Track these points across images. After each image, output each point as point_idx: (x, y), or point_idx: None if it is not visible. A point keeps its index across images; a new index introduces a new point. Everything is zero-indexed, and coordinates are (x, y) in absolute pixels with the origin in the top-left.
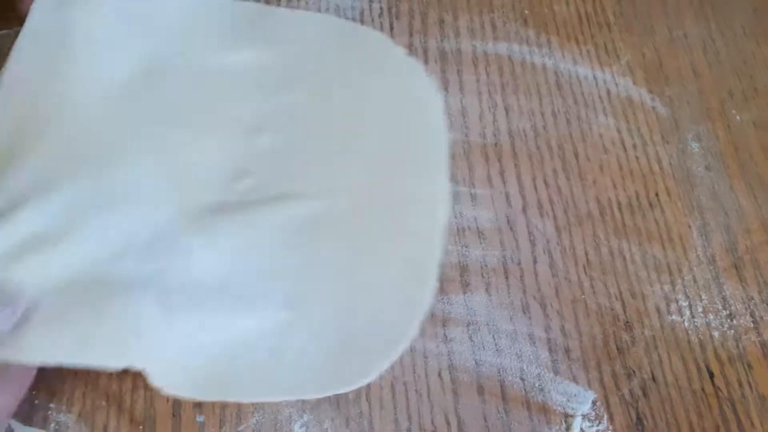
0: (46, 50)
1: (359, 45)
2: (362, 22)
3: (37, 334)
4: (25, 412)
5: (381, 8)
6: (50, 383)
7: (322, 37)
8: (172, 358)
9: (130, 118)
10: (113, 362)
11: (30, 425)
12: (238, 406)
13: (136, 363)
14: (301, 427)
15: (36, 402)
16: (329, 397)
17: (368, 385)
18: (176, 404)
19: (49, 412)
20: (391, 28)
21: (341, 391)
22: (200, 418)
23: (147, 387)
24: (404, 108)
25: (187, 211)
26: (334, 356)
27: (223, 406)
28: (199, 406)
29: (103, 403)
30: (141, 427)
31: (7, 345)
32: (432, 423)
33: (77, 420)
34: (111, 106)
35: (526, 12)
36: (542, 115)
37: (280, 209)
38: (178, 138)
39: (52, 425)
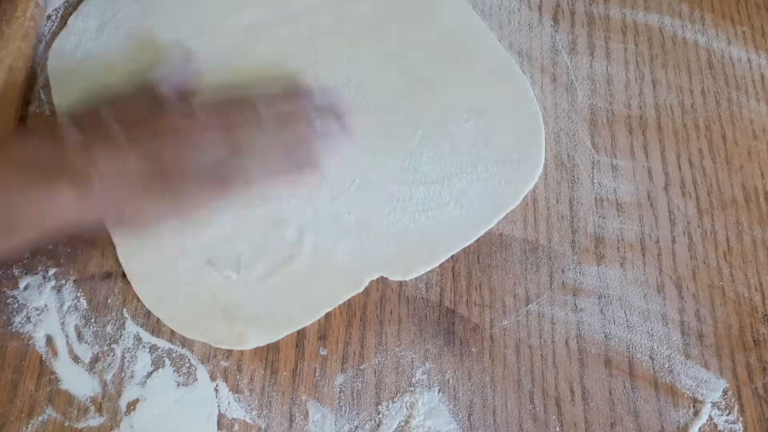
0: None
1: None
2: None
3: None
4: (153, 323)
5: None
6: None
7: None
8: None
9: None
10: None
11: (158, 336)
12: (361, 345)
13: None
14: (423, 374)
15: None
16: (452, 348)
17: (492, 342)
18: (300, 335)
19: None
20: None
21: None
22: (323, 351)
23: None
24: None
25: None
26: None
27: (347, 342)
28: (323, 339)
29: None
30: (265, 353)
31: None
32: (556, 389)
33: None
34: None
35: None
36: (691, 92)
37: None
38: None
39: (178, 339)
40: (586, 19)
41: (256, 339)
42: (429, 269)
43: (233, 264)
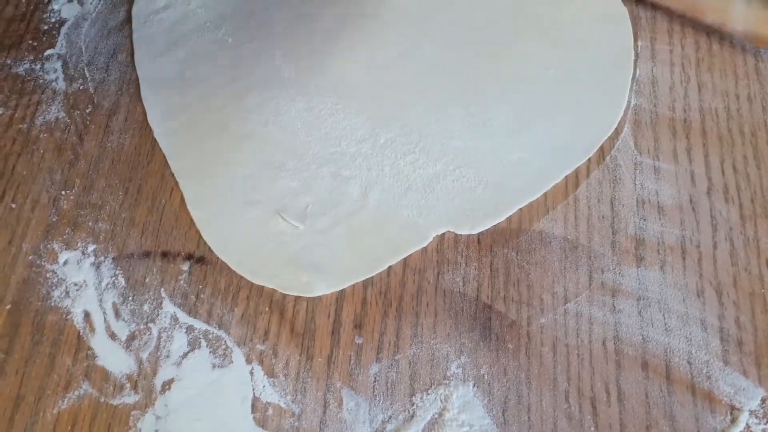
0: None
1: None
2: None
3: None
4: (191, 304)
5: None
6: (216, 280)
7: None
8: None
9: None
10: None
11: (195, 317)
12: (397, 335)
13: None
14: (458, 367)
15: (201, 296)
16: (488, 344)
17: (529, 340)
18: (336, 322)
19: (213, 307)
20: None
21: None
22: (359, 340)
23: (309, 300)
24: None
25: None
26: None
27: (382, 332)
28: (358, 327)
29: (266, 308)
30: (301, 339)
31: None
32: (591, 389)
33: (240, 320)
34: None
35: None
36: (737, 97)
37: None
38: None
39: (215, 321)
40: (632, 20)
41: (322, 287)
42: (495, 223)
43: (300, 215)
